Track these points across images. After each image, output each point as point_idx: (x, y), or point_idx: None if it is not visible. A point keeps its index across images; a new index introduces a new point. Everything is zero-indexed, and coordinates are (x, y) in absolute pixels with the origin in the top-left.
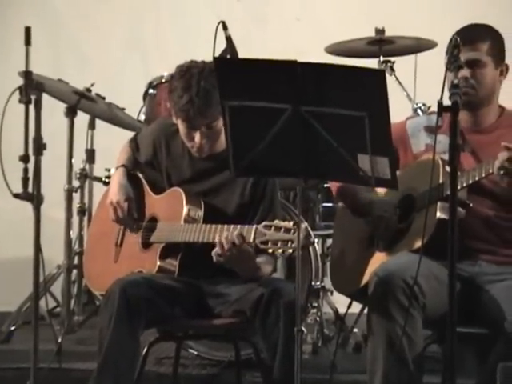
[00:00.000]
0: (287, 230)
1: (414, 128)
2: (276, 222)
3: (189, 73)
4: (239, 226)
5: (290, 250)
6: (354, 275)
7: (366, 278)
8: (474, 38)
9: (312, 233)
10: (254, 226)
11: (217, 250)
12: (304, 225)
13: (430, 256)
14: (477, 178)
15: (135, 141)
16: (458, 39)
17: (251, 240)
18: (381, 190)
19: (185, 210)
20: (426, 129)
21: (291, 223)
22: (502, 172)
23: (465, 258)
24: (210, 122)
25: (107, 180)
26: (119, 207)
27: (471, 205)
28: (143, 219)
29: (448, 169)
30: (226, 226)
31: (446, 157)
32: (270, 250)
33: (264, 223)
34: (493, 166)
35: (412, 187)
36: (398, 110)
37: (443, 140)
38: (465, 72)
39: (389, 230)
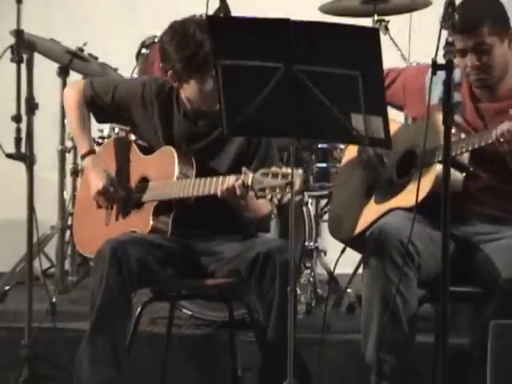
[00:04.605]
0: (285, 176)
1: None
2: (273, 168)
3: (184, 26)
4: (237, 176)
5: (289, 195)
6: (349, 222)
7: (359, 227)
8: (471, 23)
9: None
10: (251, 175)
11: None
12: (300, 171)
13: (426, 215)
14: (476, 146)
15: (93, 90)
16: None
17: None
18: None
19: (177, 168)
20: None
21: (288, 169)
22: (502, 140)
23: (459, 219)
24: None
25: (100, 141)
26: (106, 192)
27: (471, 169)
28: (133, 185)
29: (453, 131)
30: (221, 177)
31: (455, 117)
32: (269, 197)
33: (261, 171)
34: (491, 136)
35: (416, 143)
36: None
37: (458, 100)
38: (472, 58)
39: (380, 178)
